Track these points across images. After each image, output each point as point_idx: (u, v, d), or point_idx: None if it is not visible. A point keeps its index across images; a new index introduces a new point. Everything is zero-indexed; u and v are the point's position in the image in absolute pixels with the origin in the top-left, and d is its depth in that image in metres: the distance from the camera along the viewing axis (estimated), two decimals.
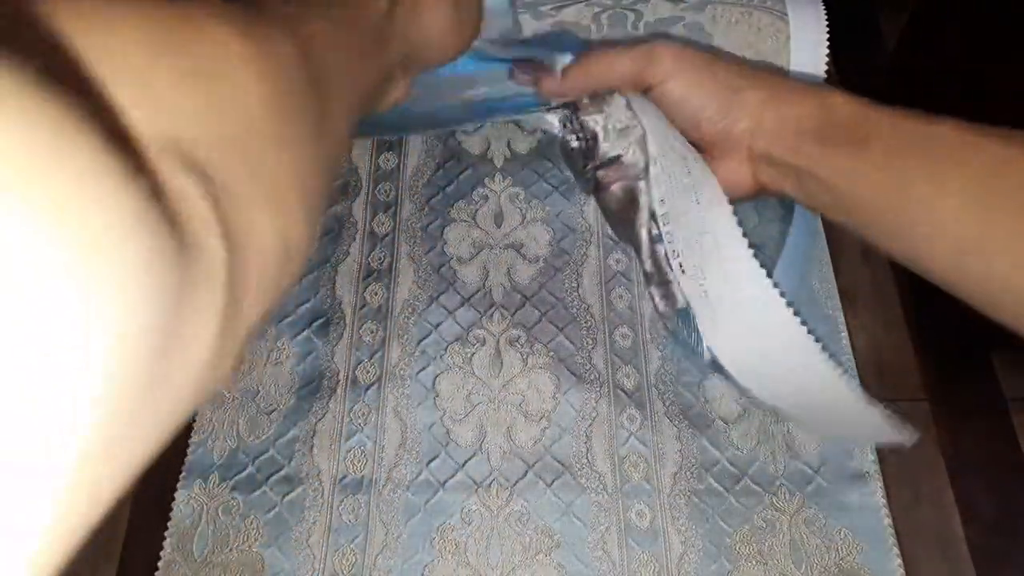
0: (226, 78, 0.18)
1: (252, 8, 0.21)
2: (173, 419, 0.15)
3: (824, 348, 0.36)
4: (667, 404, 0.48)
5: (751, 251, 0.36)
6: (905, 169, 0.29)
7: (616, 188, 0.40)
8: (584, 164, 0.41)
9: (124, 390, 0.12)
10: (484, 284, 0.52)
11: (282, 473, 0.47)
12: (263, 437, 0.48)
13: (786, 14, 0.47)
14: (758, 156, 0.34)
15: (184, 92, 0.17)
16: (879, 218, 0.30)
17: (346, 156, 0.25)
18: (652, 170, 0.38)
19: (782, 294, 0.36)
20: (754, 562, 0.43)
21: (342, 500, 0.46)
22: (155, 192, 0.14)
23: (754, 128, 0.33)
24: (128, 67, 0.15)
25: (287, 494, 0.46)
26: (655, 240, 0.40)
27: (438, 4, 0.34)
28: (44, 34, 0.14)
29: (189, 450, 0.48)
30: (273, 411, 0.49)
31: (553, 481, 0.46)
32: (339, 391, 0.49)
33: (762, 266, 0.36)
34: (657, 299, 0.41)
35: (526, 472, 0.46)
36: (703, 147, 0.36)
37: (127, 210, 0.12)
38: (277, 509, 0.46)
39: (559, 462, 0.46)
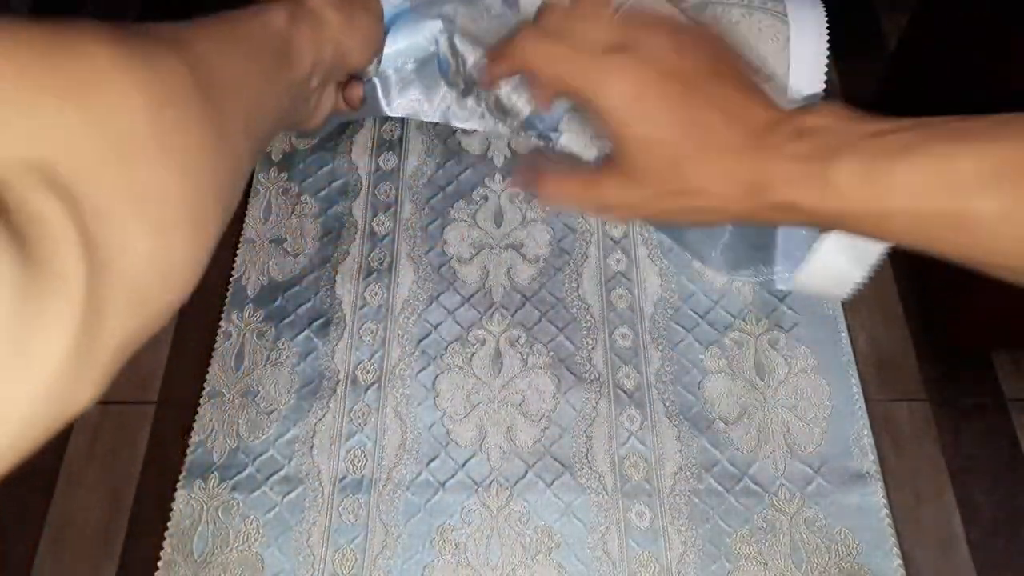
0: (100, 94, 0.18)
1: (134, 29, 0.21)
2: (22, 436, 0.15)
3: None
4: (667, 404, 0.48)
5: None
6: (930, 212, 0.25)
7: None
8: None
9: None
10: (484, 284, 0.52)
11: (282, 473, 0.47)
12: (263, 437, 0.48)
13: (786, 15, 0.47)
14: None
15: (52, 112, 0.17)
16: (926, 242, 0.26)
17: (247, 175, 0.25)
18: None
19: None
20: (754, 562, 0.43)
21: (342, 500, 0.46)
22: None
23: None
24: None
25: (287, 494, 0.46)
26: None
27: (343, 13, 0.34)
28: None
29: (189, 450, 0.48)
30: (273, 411, 0.49)
31: (553, 481, 0.46)
32: (339, 391, 0.49)
33: None
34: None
35: (526, 472, 0.46)
36: None
37: None
38: (277, 509, 0.46)
39: (559, 462, 0.46)
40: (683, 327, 0.50)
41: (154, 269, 0.19)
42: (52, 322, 0.15)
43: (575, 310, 0.51)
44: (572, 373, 0.49)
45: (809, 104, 0.29)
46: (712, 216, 0.29)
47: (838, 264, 0.35)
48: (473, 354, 0.50)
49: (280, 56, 0.31)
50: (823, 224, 0.27)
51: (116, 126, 0.18)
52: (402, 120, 0.59)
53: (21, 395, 0.14)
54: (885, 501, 0.45)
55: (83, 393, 0.17)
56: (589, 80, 0.28)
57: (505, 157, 0.58)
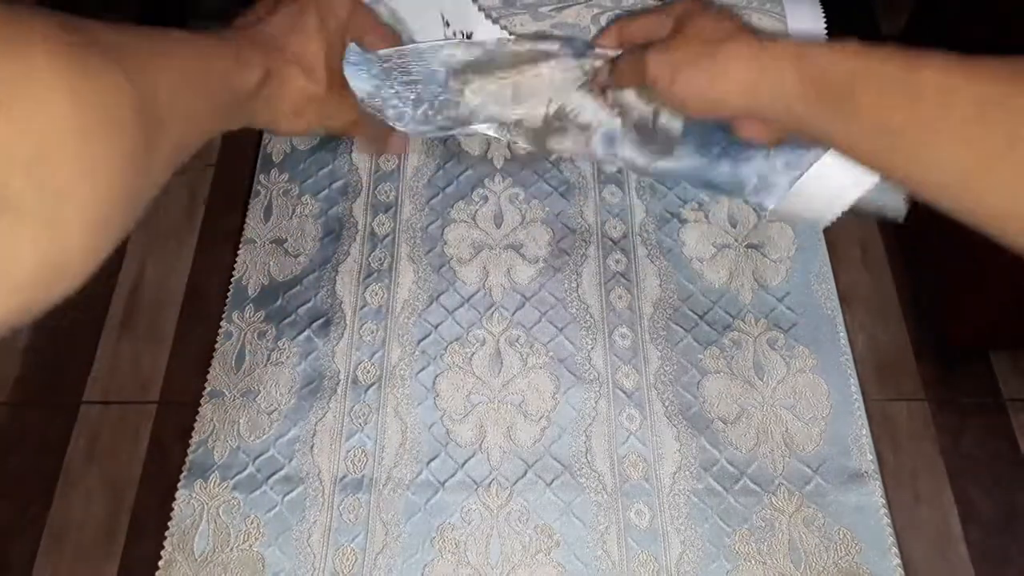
0: (26, 94, 0.19)
1: (96, 34, 0.22)
2: None
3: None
4: (666, 404, 0.48)
5: None
6: (892, 123, 0.29)
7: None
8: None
9: None
10: (484, 284, 0.53)
11: (282, 473, 0.47)
12: (264, 437, 0.48)
13: (784, 17, 0.47)
14: (760, 117, 0.36)
15: None
16: (876, 159, 0.32)
17: (160, 188, 0.27)
18: None
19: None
20: (753, 562, 0.43)
21: (342, 500, 0.46)
22: None
23: (746, 98, 0.35)
24: None
25: (287, 493, 0.46)
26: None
27: (291, 111, 0.36)
28: None
29: (190, 449, 0.48)
30: (273, 411, 0.49)
31: (553, 481, 0.46)
32: (339, 391, 0.49)
33: None
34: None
35: (526, 472, 0.46)
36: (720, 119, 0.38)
37: None
38: (277, 508, 0.46)
39: (559, 462, 0.46)
40: (682, 327, 0.51)
41: (43, 262, 0.20)
42: None
43: (574, 310, 0.51)
44: (572, 373, 0.49)
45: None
46: (717, 104, 0.35)
47: (830, 184, 0.39)
48: (473, 354, 0.50)
49: (230, 110, 0.32)
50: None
51: (37, 127, 0.19)
52: None
53: None
54: (884, 500, 0.45)
55: None
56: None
57: (505, 158, 0.58)
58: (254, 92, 0.33)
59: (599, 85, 0.43)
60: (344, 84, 0.39)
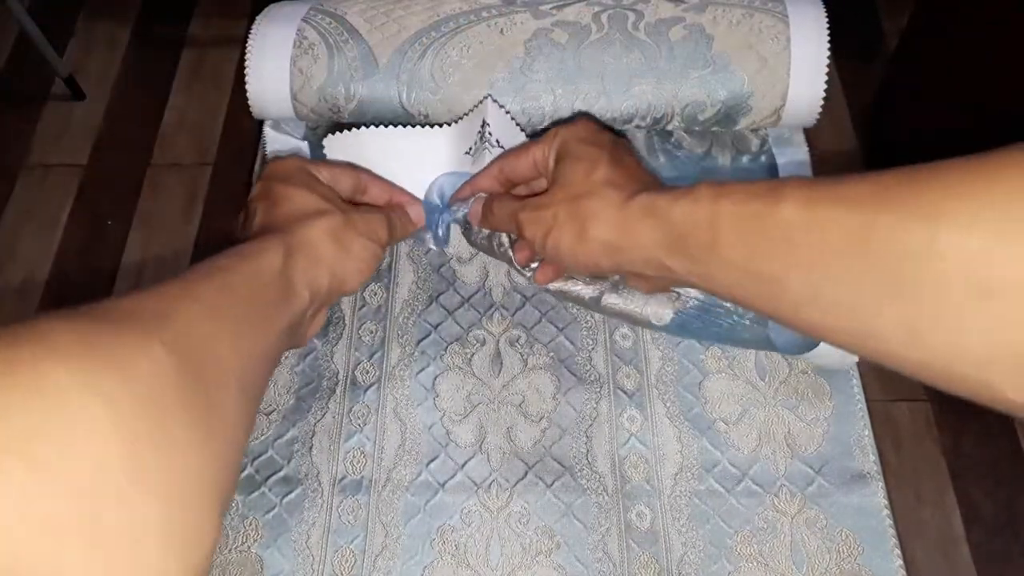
0: (63, 437, 0.15)
1: (106, 313, 0.19)
2: None
3: None
4: (667, 405, 0.48)
5: None
6: (767, 270, 0.28)
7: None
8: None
9: None
10: (484, 284, 0.52)
11: (281, 474, 0.46)
12: (262, 437, 0.48)
13: (787, 16, 0.47)
14: (634, 275, 0.36)
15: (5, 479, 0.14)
16: (765, 308, 0.30)
17: (245, 446, 0.24)
18: None
19: None
20: (755, 563, 0.43)
21: (341, 501, 0.46)
22: None
23: (613, 258, 0.34)
24: None
25: (286, 495, 0.46)
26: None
27: (338, 242, 0.35)
28: None
29: None
30: (272, 411, 0.49)
31: (553, 482, 0.46)
32: (338, 391, 0.49)
33: None
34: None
35: (526, 473, 0.46)
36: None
37: None
38: (276, 510, 0.45)
39: (559, 463, 0.46)
40: None
41: None
42: None
43: (575, 310, 0.51)
44: (572, 373, 0.49)
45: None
46: (589, 265, 0.35)
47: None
48: (473, 354, 0.50)
49: (279, 296, 0.30)
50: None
51: (82, 474, 0.15)
52: None
53: None
54: (886, 501, 0.45)
55: None
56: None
57: None
58: (284, 268, 0.31)
59: (474, 223, 0.44)
60: (356, 206, 0.40)
